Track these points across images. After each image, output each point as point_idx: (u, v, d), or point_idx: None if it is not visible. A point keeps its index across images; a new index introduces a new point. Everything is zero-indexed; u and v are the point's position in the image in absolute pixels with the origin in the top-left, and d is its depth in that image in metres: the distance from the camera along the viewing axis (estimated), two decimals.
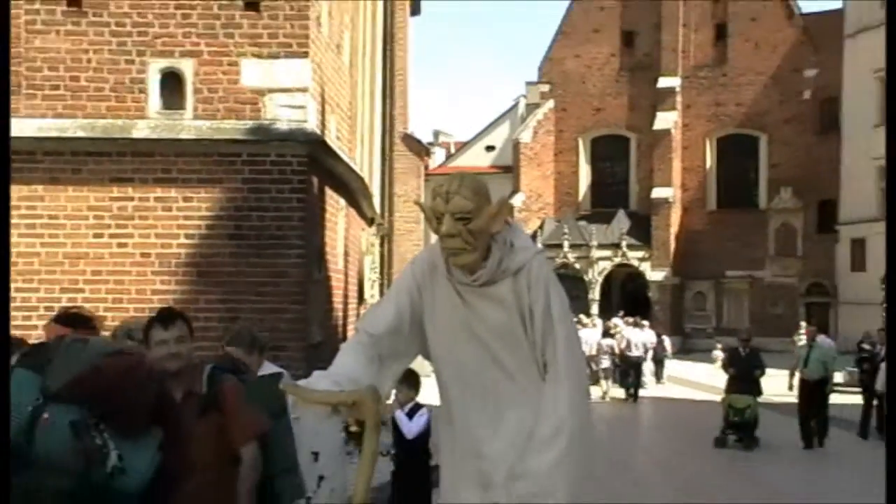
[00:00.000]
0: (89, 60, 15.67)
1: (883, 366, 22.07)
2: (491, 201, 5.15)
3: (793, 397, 23.88)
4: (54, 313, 8.51)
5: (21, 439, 5.68)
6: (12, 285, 15.26)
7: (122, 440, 5.84)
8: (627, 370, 36.30)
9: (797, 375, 23.93)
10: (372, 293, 25.40)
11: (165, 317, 6.55)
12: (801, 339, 26.62)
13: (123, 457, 5.74)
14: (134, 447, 5.84)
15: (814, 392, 23.20)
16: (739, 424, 22.69)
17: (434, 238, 5.31)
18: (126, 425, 5.89)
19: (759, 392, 23.39)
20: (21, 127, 15.27)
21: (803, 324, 26.11)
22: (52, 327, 7.72)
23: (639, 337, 37.80)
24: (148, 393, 6.07)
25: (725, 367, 25.24)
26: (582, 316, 46.18)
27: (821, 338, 25.21)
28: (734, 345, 25.58)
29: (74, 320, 7.83)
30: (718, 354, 30.55)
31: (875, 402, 24.22)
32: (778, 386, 24.61)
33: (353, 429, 5.05)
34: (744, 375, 23.27)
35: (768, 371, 24.25)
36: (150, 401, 6.03)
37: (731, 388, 23.46)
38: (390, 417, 10.50)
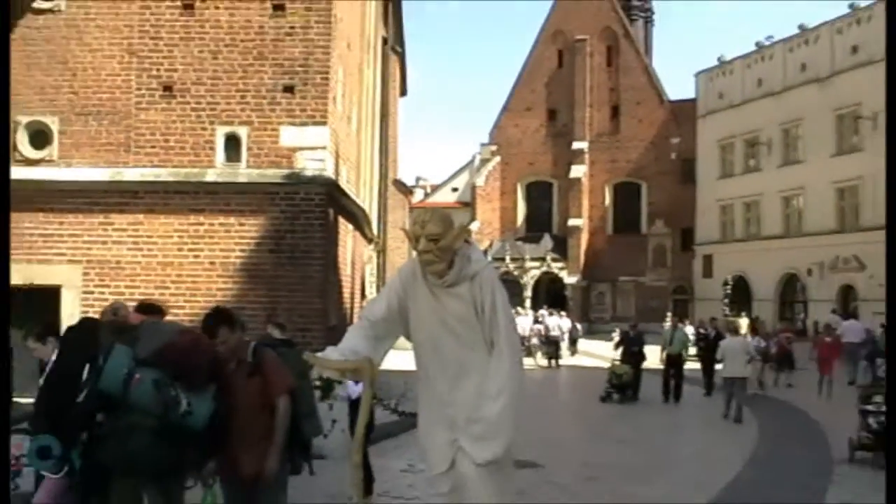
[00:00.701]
0: (177, 127, 15.74)
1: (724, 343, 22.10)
2: (454, 227, 5.32)
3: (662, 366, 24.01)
4: (139, 303, 8.67)
5: (120, 391, 5.85)
6: (122, 284, 15.35)
7: (189, 392, 6.02)
8: (551, 346, 37.02)
9: (665, 351, 24.06)
10: (371, 291, 25.42)
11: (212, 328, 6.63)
12: (667, 325, 26.85)
13: (191, 403, 5.94)
14: (197, 397, 6.05)
15: (675, 363, 23.58)
16: (619, 386, 22.86)
17: (414, 254, 5.47)
18: (191, 382, 6.07)
19: (642, 361, 23.78)
20: (129, 174, 15.44)
21: (669, 315, 26.34)
22: (135, 315, 7.85)
23: (559, 322, 38.64)
24: (206, 359, 6.21)
25: (617, 344, 25.63)
26: (519, 308, 46.71)
27: (681, 325, 25.59)
28: (626, 329, 25.99)
29: (149, 308, 8.07)
30: (615, 335, 30.72)
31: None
32: (654, 358, 24.58)
33: (317, 383, 5.34)
34: (631, 350, 23.75)
35: (648, 347, 24.52)
36: (208, 365, 6.17)
37: (622, 359, 23.79)
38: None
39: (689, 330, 29.67)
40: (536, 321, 40.67)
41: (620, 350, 24.60)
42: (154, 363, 6.04)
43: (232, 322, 6.71)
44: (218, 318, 6.71)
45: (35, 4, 15.89)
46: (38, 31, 15.92)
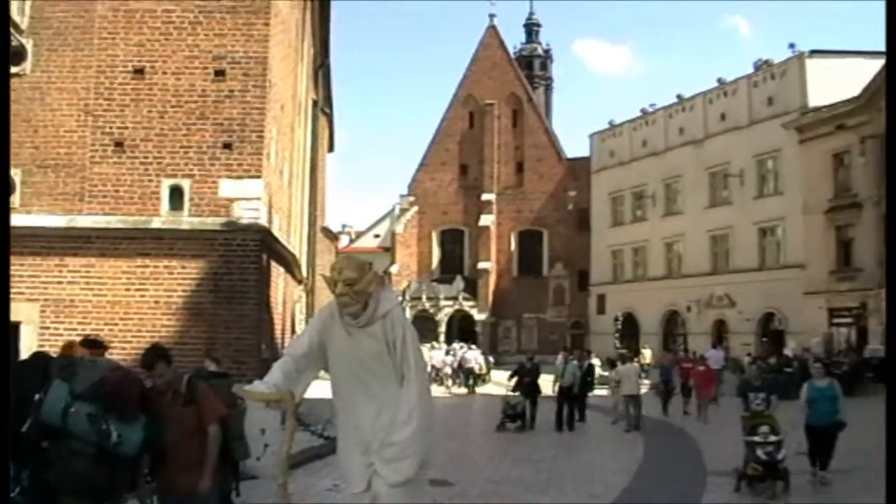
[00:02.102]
0: (126, 179, 15.61)
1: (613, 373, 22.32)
2: (368, 273, 5.46)
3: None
4: (83, 338, 8.69)
5: (59, 422, 5.98)
6: (75, 321, 15.18)
7: (120, 423, 6.13)
8: (469, 376, 37.74)
9: (557, 383, 23.37)
10: (300, 328, 25.27)
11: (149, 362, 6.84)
12: (559, 358, 26.25)
13: (121, 435, 6.07)
14: (128, 427, 6.22)
15: (567, 394, 22.82)
16: (513, 416, 22.16)
17: (332, 297, 5.58)
18: (122, 414, 6.19)
19: (537, 392, 22.95)
20: (83, 221, 15.32)
21: (562, 353, 25.80)
22: (79, 348, 7.94)
23: (472, 355, 38.92)
24: (135, 393, 6.33)
25: (512, 375, 24.51)
26: (434, 342, 46.78)
27: (572, 358, 24.92)
28: (522, 361, 25.10)
29: (92, 343, 8.15)
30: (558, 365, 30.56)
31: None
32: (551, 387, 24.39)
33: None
34: (524, 381, 22.97)
35: (548, 375, 24.40)
36: (136, 399, 6.29)
37: (519, 389, 23.05)
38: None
39: (597, 362, 29.83)
40: (447, 353, 41.05)
41: (515, 381, 23.68)
42: (89, 397, 6.16)
43: (168, 358, 6.90)
44: (155, 354, 6.90)
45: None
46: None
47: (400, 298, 54.24)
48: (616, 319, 54.10)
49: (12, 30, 15.36)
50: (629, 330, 54.13)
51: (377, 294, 5.52)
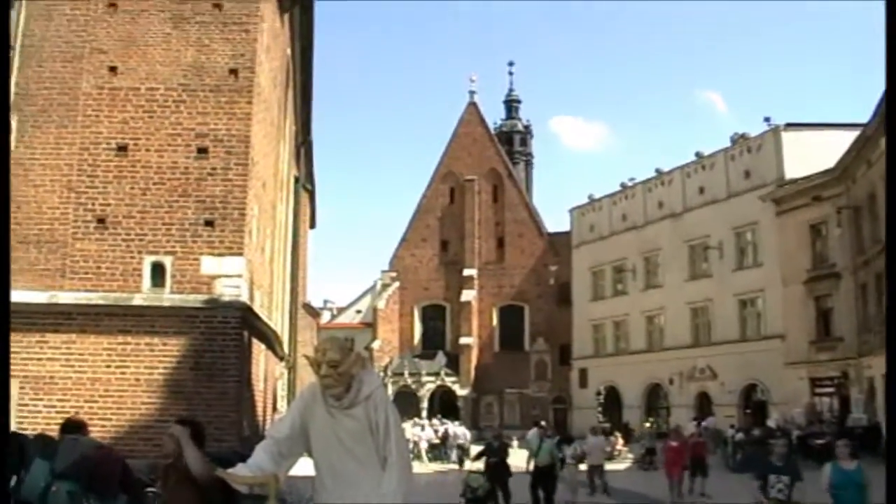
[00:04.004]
0: (108, 256, 15.62)
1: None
2: (351, 354, 5.46)
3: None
4: (65, 419, 8.57)
5: (39, 501, 5.90)
6: (55, 398, 15.04)
7: (101, 500, 6.02)
8: (460, 450, 37.38)
9: (532, 461, 20.71)
10: (282, 404, 25.15)
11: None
12: (532, 434, 24.13)
13: None
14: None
15: (543, 473, 20.47)
16: (473, 499, 20.00)
17: (314, 375, 5.56)
18: (103, 492, 6.08)
19: (506, 473, 20.06)
20: (64, 297, 15.27)
21: (536, 429, 23.65)
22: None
23: (461, 430, 38.55)
24: (116, 471, 6.25)
25: (479, 455, 21.72)
26: (416, 419, 46.42)
27: (549, 435, 23.40)
28: (489, 439, 22.94)
29: (72, 425, 8.03)
30: (515, 442, 29.46)
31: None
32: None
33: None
34: (489, 461, 20.93)
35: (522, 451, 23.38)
36: (118, 476, 6.21)
37: (486, 469, 19.90)
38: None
39: (598, 440, 28.64)
40: (423, 429, 40.82)
41: (483, 461, 20.74)
42: (70, 475, 6.10)
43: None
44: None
45: None
46: None
47: (382, 375, 54.00)
48: (598, 393, 53.95)
49: None
50: (612, 404, 53.94)
51: (360, 376, 5.51)
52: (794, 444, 29.30)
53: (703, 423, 39.51)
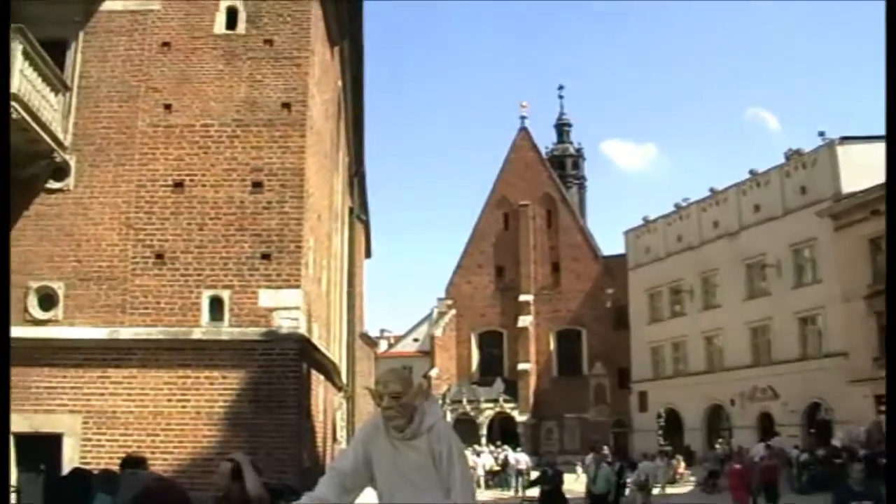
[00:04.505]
0: (167, 291, 15.80)
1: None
2: (413, 385, 5.42)
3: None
4: (126, 455, 8.65)
5: None
6: (117, 432, 15.18)
7: None
8: (519, 477, 36.80)
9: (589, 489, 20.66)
10: (342, 435, 25.13)
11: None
12: (588, 460, 23.46)
13: None
14: None
15: (599, 500, 20.42)
16: None
17: (374, 405, 5.54)
18: None
19: (563, 500, 19.78)
20: (125, 332, 15.46)
21: (592, 454, 22.66)
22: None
23: (522, 457, 38.41)
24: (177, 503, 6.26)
25: (532, 483, 21.93)
26: (476, 446, 46.28)
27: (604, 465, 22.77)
28: (544, 467, 22.63)
29: (135, 461, 8.11)
30: (578, 468, 29.31)
31: None
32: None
33: None
34: (543, 490, 20.53)
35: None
36: None
37: (540, 498, 19.98)
38: None
39: (651, 465, 28.19)
40: (481, 455, 40.69)
41: (538, 489, 20.50)
42: None
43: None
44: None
45: (48, 185, 16.13)
46: (49, 208, 16.10)
47: (440, 402, 53.95)
48: (659, 416, 53.23)
49: (56, 147, 15.73)
50: (672, 426, 53.25)
51: (422, 407, 5.48)
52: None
53: (771, 444, 38.83)
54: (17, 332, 15.35)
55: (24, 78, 14.45)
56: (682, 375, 54.59)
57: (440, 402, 54.82)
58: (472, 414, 61.04)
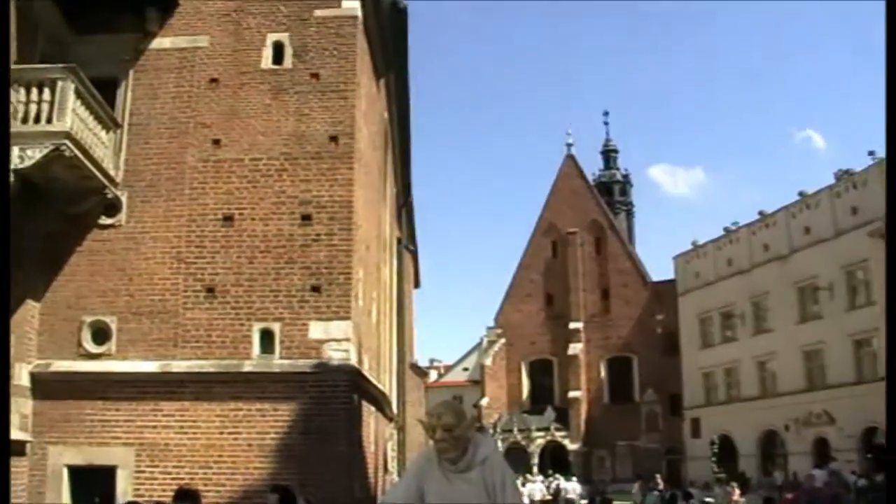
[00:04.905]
0: (218, 324, 15.85)
1: None
2: (466, 418, 5.40)
3: None
4: (178, 488, 8.71)
5: None
6: (170, 465, 15.22)
7: None
8: None
9: None
10: (392, 466, 25.07)
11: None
12: (635, 489, 23.41)
13: None
14: None
15: None
16: None
17: (426, 436, 5.51)
18: None
19: None
20: (177, 366, 15.52)
21: (639, 482, 22.64)
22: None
23: (570, 485, 38.04)
24: None
25: None
26: (527, 475, 45.99)
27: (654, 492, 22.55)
28: (595, 497, 22.54)
29: (187, 494, 8.21)
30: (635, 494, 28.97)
31: None
32: None
33: None
34: None
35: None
36: None
37: None
38: None
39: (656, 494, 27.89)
40: (531, 484, 40.44)
41: None
42: None
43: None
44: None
45: (100, 221, 16.30)
46: (101, 244, 16.26)
47: (491, 432, 53.71)
48: (712, 443, 52.55)
49: (108, 183, 15.91)
50: (726, 453, 52.52)
51: (476, 438, 5.44)
52: None
53: (829, 470, 38.05)
54: (71, 365, 15.66)
55: (76, 116, 14.63)
56: (735, 401, 53.90)
57: (491, 431, 54.62)
58: (523, 443, 60.78)
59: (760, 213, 53.21)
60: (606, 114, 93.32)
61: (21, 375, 15.31)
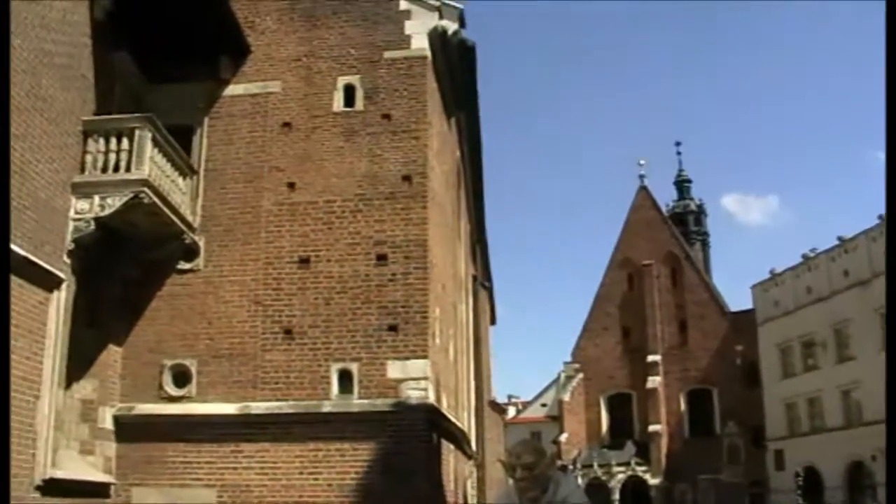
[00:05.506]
0: (296, 365, 15.89)
1: None
2: (545, 455, 5.32)
3: None
4: None
5: None
6: None
7: None
8: None
9: None
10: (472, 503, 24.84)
11: None
12: None
13: None
14: None
15: None
16: None
17: (510, 480, 5.43)
18: None
19: None
20: (256, 407, 15.59)
21: None
22: None
23: None
24: None
25: None
26: None
27: None
28: None
29: None
30: None
31: None
32: None
33: None
34: None
35: None
36: None
37: None
38: None
39: None
40: None
41: None
42: None
43: None
44: None
45: (179, 266, 16.50)
46: (181, 288, 16.46)
47: (571, 468, 53.16)
48: (797, 475, 51.36)
49: (186, 229, 16.11)
50: (812, 485, 51.29)
51: (556, 476, 5.34)
52: None
53: None
54: (153, 408, 15.84)
55: (154, 164, 14.84)
56: (820, 432, 52.72)
57: (571, 467, 54.08)
58: (603, 478, 60.11)
59: (839, 238, 52.26)
60: (678, 144, 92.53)
61: (105, 419, 15.51)
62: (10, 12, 11.60)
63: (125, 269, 16.04)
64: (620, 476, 60.60)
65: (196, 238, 16.54)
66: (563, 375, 68.40)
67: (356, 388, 15.69)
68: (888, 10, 13.60)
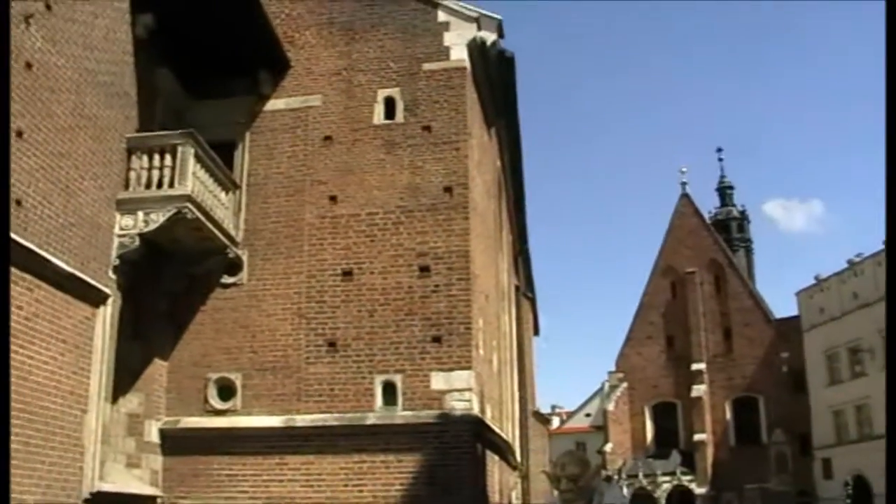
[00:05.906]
0: (340, 378, 15.89)
1: None
2: (590, 466, 5.21)
3: None
4: None
5: None
6: None
7: None
8: None
9: None
10: None
11: None
12: None
13: None
14: None
15: None
16: None
17: (555, 491, 5.32)
18: None
19: None
20: (300, 420, 15.64)
21: None
22: None
23: None
24: None
25: None
26: None
27: None
28: None
29: None
30: None
31: None
32: None
33: None
34: None
35: None
36: None
37: None
38: None
39: None
40: None
41: None
42: None
43: None
44: None
45: (223, 280, 16.60)
46: (225, 302, 16.55)
47: (616, 478, 52.81)
48: (846, 484, 50.59)
49: (229, 243, 16.17)
50: (861, 494, 50.48)
51: (601, 487, 5.23)
52: None
53: None
54: (198, 422, 15.94)
55: (196, 180, 14.93)
56: (868, 439, 51.80)
57: (616, 477, 53.71)
58: (649, 488, 59.53)
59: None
60: (720, 150, 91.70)
61: (151, 432, 15.60)
62: (9, 12, 11.64)
63: (169, 283, 16.16)
64: (666, 486, 59.96)
65: (239, 252, 16.62)
66: (606, 385, 67.87)
67: (400, 400, 15.66)
68: (888, 10, 13.43)
